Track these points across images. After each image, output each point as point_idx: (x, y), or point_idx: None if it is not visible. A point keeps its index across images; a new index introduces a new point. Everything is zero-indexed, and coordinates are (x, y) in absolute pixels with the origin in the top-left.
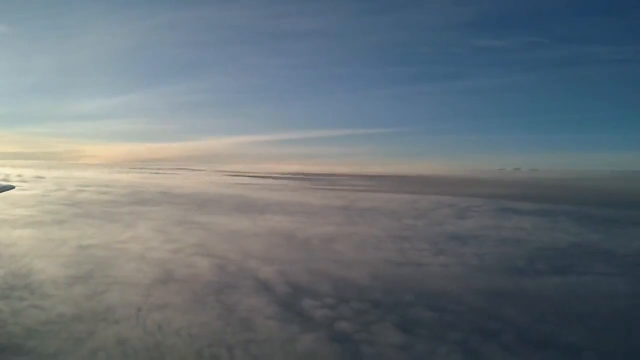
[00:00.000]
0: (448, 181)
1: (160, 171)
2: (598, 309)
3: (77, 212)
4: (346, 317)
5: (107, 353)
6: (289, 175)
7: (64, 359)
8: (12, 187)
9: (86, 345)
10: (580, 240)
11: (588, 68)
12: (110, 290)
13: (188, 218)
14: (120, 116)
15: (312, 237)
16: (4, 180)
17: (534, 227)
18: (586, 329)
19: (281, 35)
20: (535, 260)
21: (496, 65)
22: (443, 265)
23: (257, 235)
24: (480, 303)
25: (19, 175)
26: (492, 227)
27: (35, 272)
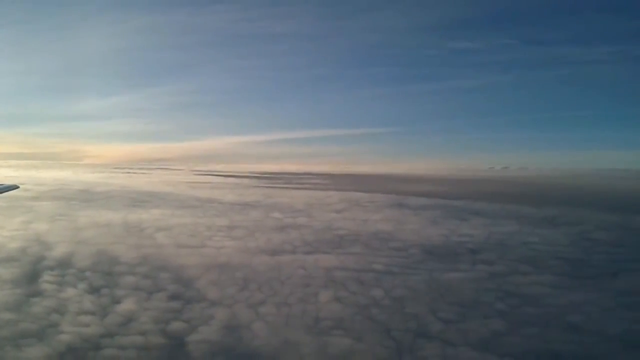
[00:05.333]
0: (408, 180)
1: (136, 171)
2: (278, 276)
3: None
4: (61, 283)
5: None
6: (257, 175)
7: None
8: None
9: None
10: (392, 228)
11: (558, 69)
12: None
13: (70, 212)
14: (118, 117)
15: (153, 227)
16: None
17: (383, 218)
18: (243, 289)
19: (256, 38)
20: (309, 244)
21: (472, 67)
22: (218, 248)
23: (107, 225)
24: (187, 273)
25: None
26: (343, 219)
27: None
